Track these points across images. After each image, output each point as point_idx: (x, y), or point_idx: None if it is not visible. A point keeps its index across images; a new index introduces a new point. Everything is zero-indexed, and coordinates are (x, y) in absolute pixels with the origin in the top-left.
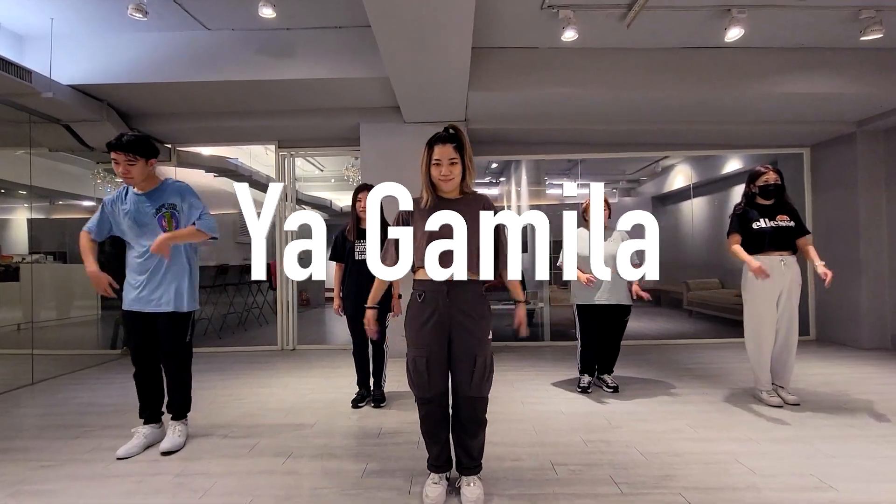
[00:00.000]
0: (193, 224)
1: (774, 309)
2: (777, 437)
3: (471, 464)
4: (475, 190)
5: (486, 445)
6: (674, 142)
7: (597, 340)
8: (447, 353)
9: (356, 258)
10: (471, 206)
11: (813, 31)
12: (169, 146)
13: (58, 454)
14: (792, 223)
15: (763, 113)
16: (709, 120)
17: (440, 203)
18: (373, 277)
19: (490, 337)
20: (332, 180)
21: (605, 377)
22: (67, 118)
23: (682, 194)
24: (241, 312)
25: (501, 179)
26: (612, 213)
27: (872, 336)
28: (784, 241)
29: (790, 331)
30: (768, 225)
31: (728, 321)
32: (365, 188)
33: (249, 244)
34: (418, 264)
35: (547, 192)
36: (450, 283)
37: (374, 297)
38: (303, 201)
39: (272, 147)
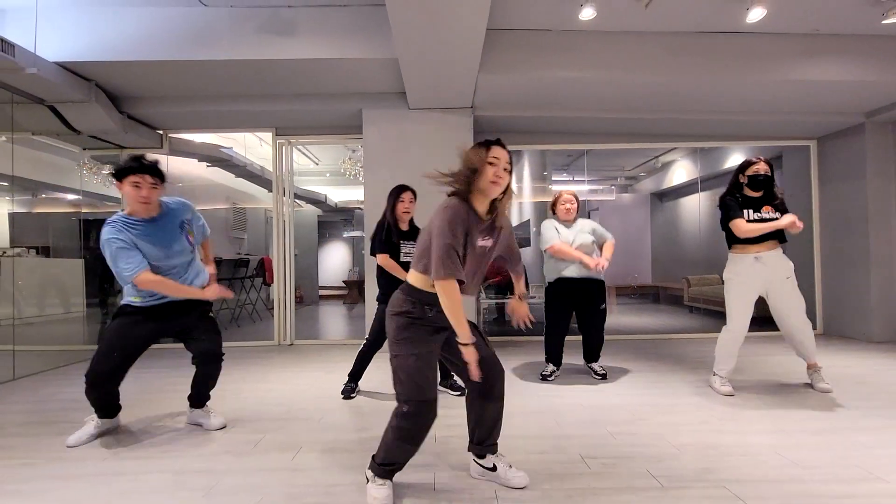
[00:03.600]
0: (208, 237)
1: (752, 305)
2: (810, 429)
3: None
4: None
5: (508, 436)
6: (680, 133)
7: (564, 325)
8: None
9: (401, 259)
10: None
11: (832, 16)
12: (160, 132)
13: (42, 451)
14: (777, 214)
15: (772, 103)
16: (717, 110)
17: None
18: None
19: None
20: (328, 174)
21: (593, 366)
22: (52, 98)
23: (682, 190)
24: (235, 308)
25: None
26: (580, 207)
27: (882, 329)
28: (768, 234)
29: (797, 314)
30: (753, 217)
31: None
32: (407, 189)
33: (243, 238)
34: (462, 279)
35: (551, 187)
36: None
37: (463, 328)
38: (298, 196)
39: (268, 136)
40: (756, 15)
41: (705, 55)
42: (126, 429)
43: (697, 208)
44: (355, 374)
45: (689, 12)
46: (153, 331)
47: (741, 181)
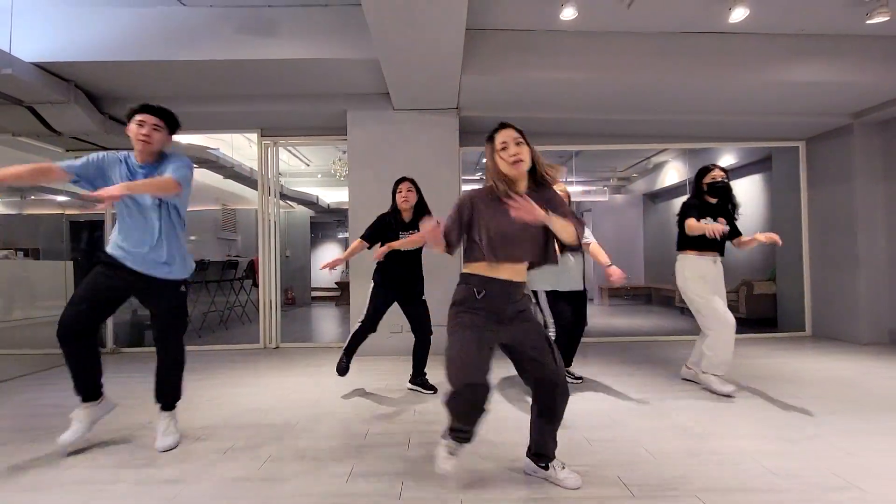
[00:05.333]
0: (165, 175)
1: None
2: (790, 436)
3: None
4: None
5: (484, 441)
6: (669, 134)
7: (569, 327)
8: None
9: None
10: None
11: (817, 16)
12: None
13: (9, 458)
14: (727, 228)
15: (760, 104)
16: (705, 111)
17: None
18: (414, 268)
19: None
20: (319, 175)
21: (570, 369)
22: (31, 99)
23: (674, 191)
24: (223, 310)
25: None
26: (570, 201)
27: (870, 331)
28: (718, 244)
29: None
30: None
31: None
32: (405, 179)
33: (232, 240)
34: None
35: None
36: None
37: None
38: (288, 197)
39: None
40: (738, 15)
41: (690, 56)
42: (101, 436)
43: None
44: (349, 351)
45: (673, 12)
46: (125, 282)
47: (702, 188)
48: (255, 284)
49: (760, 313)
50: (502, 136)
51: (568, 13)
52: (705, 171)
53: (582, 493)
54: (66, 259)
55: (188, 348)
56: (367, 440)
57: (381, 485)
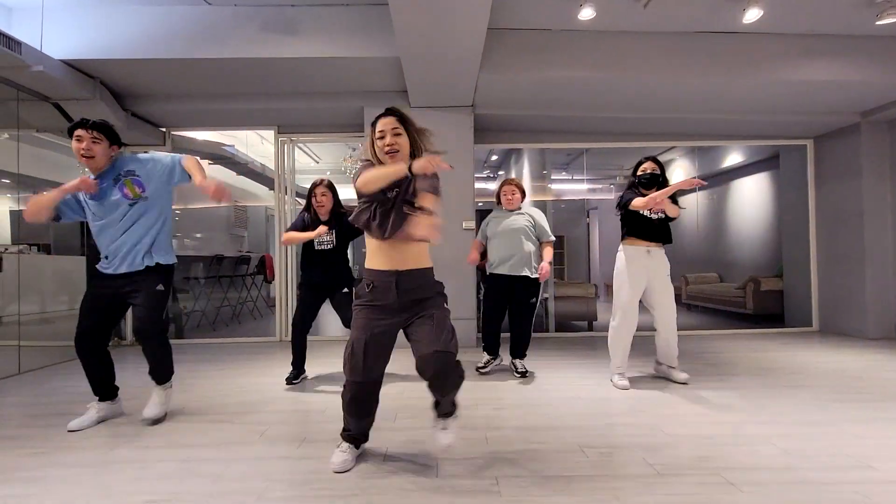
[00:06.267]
0: (183, 161)
1: (639, 295)
2: (804, 421)
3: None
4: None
5: (509, 427)
6: (677, 132)
7: (496, 316)
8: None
9: (316, 247)
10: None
11: (828, 16)
12: (163, 130)
13: (50, 441)
14: (662, 216)
15: (770, 102)
16: (715, 109)
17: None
18: (333, 266)
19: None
20: (328, 172)
21: (516, 362)
22: (57, 96)
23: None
24: (235, 305)
25: (500, 173)
26: (524, 198)
27: (877, 325)
28: (655, 233)
29: (668, 311)
30: (648, 215)
31: (730, 314)
32: (321, 183)
33: (243, 236)
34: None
35: (550, 186)
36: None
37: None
38: (299, 194)
39: (269, 134)
40: (752, 16)
41: (703, 55)
42: (130, 420)
43: (696, 207)
44: (298, 364)
45: (688, 12)
46: (112, 288)
47: (634, 181)
48: (267, 280)
49: (768, 309)
50: (381, 124)
51: (586, 13)
52: (638, 164)
53: (610, 471)
54: (82, 254)
55: (200, 341)
56: (396, 423)
57: (415, 464)
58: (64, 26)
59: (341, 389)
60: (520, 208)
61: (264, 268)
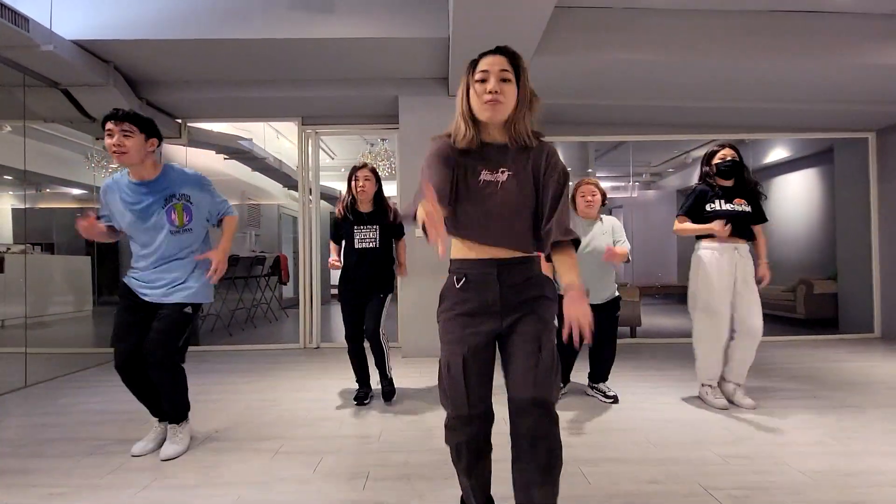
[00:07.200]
0: (228, 215)
1: (728, 298)
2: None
3: None
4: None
5: (603, 459)
6: (723, 124)
7: (574, 349)
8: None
9: (356, 245)
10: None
11: None
12: (179, 121)
13: (69, 478)
14: (749, 208)
15: (835, 90)
16: (772, 97)
17: (483, 148)
18: (378, 266)
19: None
20: (343, 169)
21: (601, 385)
22: (67, 81)
23: None
24: (250, 308)
25: None
26: (605, 200)
27: None
28: (739, 228)
29: (752, 320)
30: (724, 208)
31: (777, 318)
32: (364, 166)
33: (256, 234)
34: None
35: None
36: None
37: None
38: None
39: (285, 129)
40: None
41: (774, 36)
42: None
43: None
44: (362, 380)
45: None
46: (143, 306)
47: (710, 171)
48: (281, 282)
49: (820, 314)
50: (485, 64)
51: None
52: (713, 153)
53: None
54: (86, 254)
55: (219, 348)
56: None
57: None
58: (76, 3)
59: (443, 432)
60: (600, 218)
61: (279, 268)
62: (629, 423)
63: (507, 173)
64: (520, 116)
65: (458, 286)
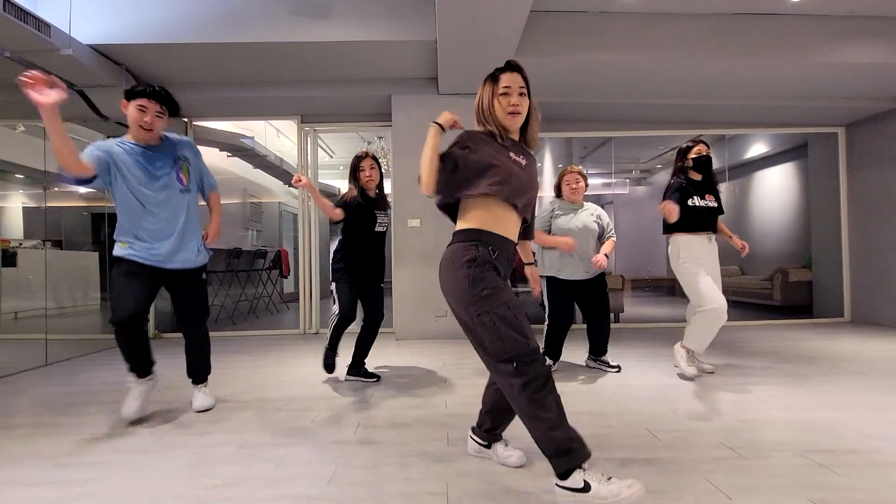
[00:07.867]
0: (215, 190)
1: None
2: (871, 405)
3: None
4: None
5: (569, 413)
6: (704, 120)
7: (567, 323)
8: None
9: (376, 229)
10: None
11: None
12: (185, 120)
13: (99, 428)
14: (716, 204)
15: (803, 87)
16: (747, 95)
17: (507, 139)
18: (383, 250)
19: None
20: (342, 167)
21: (603, 358)
22: (83, 83)
23: None
24: (252, 300)
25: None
26: (588, 187)
27: None
28: (710, 222)
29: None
30: (701, 204)
31: (756, 306)
32: (367, 155)
33: (258, 231)
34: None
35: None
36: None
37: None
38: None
39: (284, 127)
40: None
41: (740, 37)
42: (179, 408)
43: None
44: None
45: None
46: (150, 273)
47: (686, 165)
48: (282, 275)
49: (796, 301)
50: (507, 80)
51: None
52: (688, 148)
53: (689, 454)
54: (92, 250)
55: (224, 334)
56: (448, 409)
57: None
58: (92, 10)
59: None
60: (583, 203)
61: (280, 262)
62: (597, 388)
63: (524, 161)
64: (532, 121)
65: (492, 257)
